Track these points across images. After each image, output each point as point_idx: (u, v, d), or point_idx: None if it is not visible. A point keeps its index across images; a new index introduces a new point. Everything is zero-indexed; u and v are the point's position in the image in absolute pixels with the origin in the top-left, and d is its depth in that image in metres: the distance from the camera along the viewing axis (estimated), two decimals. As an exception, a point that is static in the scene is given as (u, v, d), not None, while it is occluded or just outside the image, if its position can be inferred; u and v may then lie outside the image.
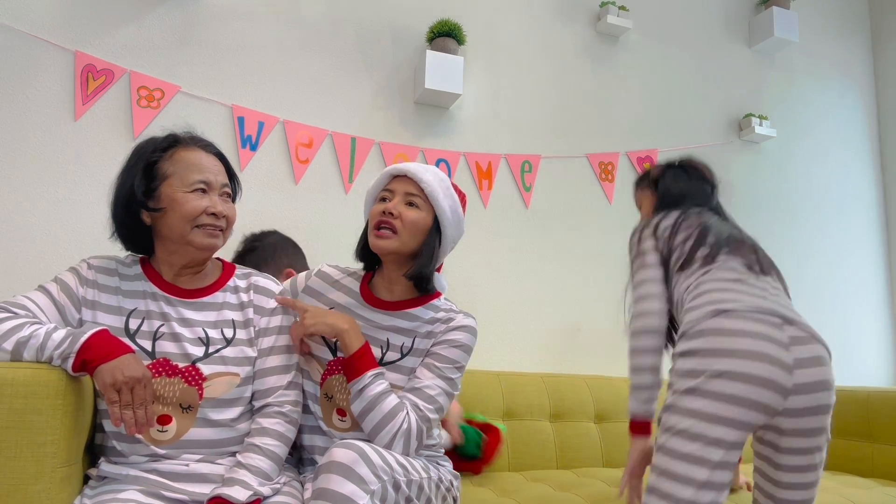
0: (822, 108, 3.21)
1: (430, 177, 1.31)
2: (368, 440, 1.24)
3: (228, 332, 1.26)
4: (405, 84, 2.38)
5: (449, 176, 2.35)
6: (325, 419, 1.35)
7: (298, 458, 1.42)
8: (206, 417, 1.20)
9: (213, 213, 1.22)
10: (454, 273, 2.28)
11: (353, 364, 1.26)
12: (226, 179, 1.28)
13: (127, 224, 1.26)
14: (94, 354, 1.05)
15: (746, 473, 1.83)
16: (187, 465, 1.16)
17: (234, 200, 1.33)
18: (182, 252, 1.24)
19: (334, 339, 1.34)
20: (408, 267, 1.32)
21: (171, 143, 1.26)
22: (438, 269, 1.40)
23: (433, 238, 1.31)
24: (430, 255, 1.31)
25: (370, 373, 1.25)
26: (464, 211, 1.40)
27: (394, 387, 1.30)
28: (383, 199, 1.33)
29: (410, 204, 1.30)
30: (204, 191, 1.23)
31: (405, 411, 1.24)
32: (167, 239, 1.25)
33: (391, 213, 1.29)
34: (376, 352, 1.32)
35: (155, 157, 1.24)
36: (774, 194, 3.00)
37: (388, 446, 1.23)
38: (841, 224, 3.15)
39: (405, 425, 1.24)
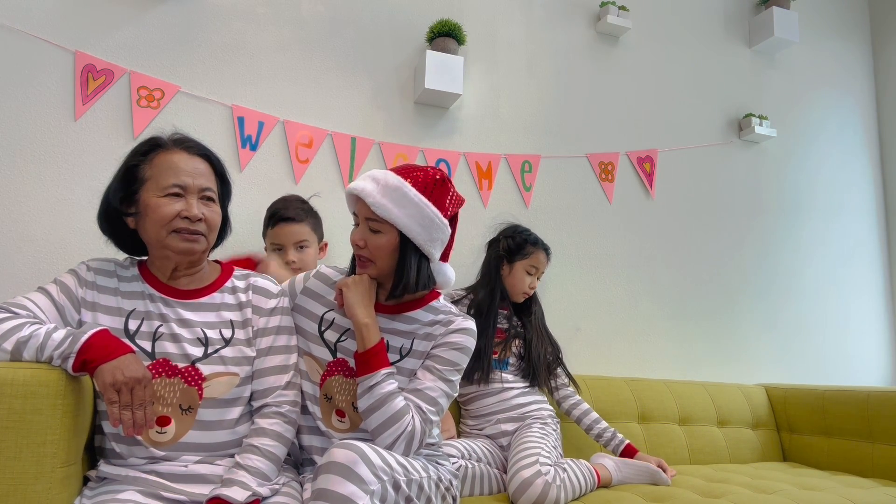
0: (823, 108, 3.21)
1: (379, 195, 1.27)
2: (369, 439, 1.24)
3: (227, 333, 1.26)
4: (405, 84, 2.38)
5: (449, 175, 2.35)
6: (325, 420, 1.35)
7: (298, 459, 1.42)
8: (206, 419, 1.20)
9: (188, 217, 1.20)
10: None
11: (368, 360, 1.26)
12: (208, 182, 1.25)
13: (112, 230, 1.26)
14: (94, 354, 1.05)
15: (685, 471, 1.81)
16: (186, 465, 1.16)
17: (223, 203, 1.31)
18: (166, 256, 1.24)
19: (343, 334, 1.35)
20: (394, 278, 1.32)
21: (152, 146, 1.25)
22: (445, 259, 1.40)
23: (407, 252, 1.30)
24: (406, 270, 1.30)
25: (383, 371, 1.26)
26: (447, 196, 1.33)
27: None
28: (356, 223, 1.34)
29: (373, 230, 1.29)
30: (179, 195, 1.21)
31: (411, 414, 1.25)
32: (149, 244, 1.25)
33: (358, 245, 1.31)
34: None
35: (135, 161, 1.23)
36: (774, 194, 3.00)
37: (391, 447, 1.23)
38: (841, 224, 3.15)
39: (409, 428, 1.24)
